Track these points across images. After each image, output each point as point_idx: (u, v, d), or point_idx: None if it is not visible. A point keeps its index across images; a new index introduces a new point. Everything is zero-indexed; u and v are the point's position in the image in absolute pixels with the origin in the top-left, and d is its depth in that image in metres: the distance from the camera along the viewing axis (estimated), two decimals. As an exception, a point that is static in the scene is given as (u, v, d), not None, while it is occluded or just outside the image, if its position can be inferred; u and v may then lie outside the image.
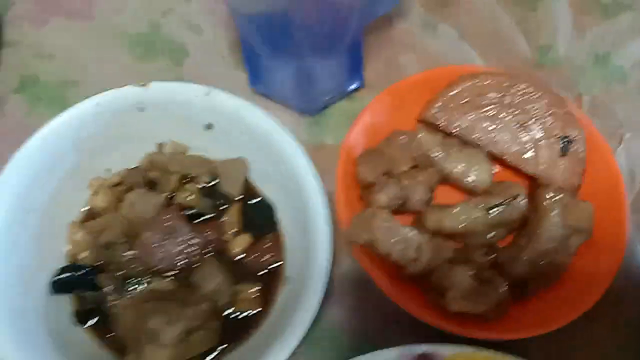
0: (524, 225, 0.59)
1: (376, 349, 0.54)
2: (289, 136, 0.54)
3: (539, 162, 0.62)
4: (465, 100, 0.62)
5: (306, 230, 0.52)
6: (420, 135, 0.60)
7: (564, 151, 0.61)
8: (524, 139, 0.62)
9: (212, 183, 0.61)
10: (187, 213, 0.58)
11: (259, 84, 0.65)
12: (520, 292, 0.57)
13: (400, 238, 0.54)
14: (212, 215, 0.59)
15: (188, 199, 0.59)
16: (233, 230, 0.59)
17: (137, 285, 0.55)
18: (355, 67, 0.65)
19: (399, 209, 0.59)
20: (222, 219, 0.59)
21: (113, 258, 0.56)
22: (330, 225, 0.51)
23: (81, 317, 0.54)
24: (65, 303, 0.55)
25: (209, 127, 0.58)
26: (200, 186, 0.60)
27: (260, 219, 0.59)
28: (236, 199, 0.60)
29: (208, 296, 0.54)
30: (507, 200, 0.58)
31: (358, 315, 0.59)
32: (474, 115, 0.62)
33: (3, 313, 0.48)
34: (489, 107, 0.62)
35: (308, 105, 0.65)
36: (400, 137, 0.59)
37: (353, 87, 0.66)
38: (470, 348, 0.53)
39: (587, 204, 0.59)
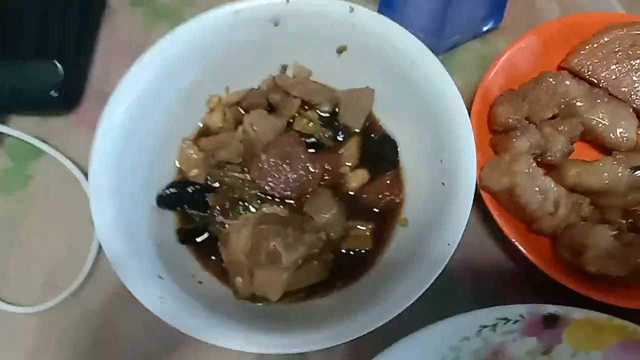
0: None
1: (496, 304, 0.51)
2: (440, 65, 0.50)
3: (690, 125, 0.56)
4: (616, 49, 0.57)
5: (444, 168, 0.48)
6: (567, 82, 0.55)
7: None
8: (677, 99, 0.56)
9: (333, 113, 0.57)
10: (306, 141, 0.55)
11: (388, 8, 0.61)
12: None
13: (541, 188, 0.50)
14: (330, 146, 0.56)
15: (308, 125, 0.56)
16: (351, 164, 0.55)
17: (248, 209, 0.53)
18: (497, 3, 0.60)
19: (536, 160, 0.54)
20: (340, 151, 0.56)
21: (225, 178, 0.54)
22: (474, 163, 0.46)
23: (185, 235, 0.53)
24: (172, 220, 0.53)
25: (340, 50, 0.55)
26: (321, 115, 0.57)
27: (381, 155, 0.55)
28: (357, 131, 0.56)
29: (321, 228, 0.51)
30: (656, 161, 0.53)
31: (479, 268, 0.55)
32: (623, 67, 0.57)
33: (118, 221, 0.46)
34: (640, 60, 0.57)
35: (438, 39, 0.61)
36: (550, 79, 0.54)
37: (488, 26, 0.61)
38: (603, 315, 0.50)
39: None
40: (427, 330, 0.49)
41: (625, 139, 0.55)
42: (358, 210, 0.54)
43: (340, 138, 0.57)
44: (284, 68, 0.58)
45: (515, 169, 0.49)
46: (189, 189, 0.53)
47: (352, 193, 0.54)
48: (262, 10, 0.52)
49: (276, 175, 0.53)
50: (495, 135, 0.55)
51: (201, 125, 0.57)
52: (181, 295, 0.44)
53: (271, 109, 0.57)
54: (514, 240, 0.50)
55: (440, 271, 0.44)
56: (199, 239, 0.52)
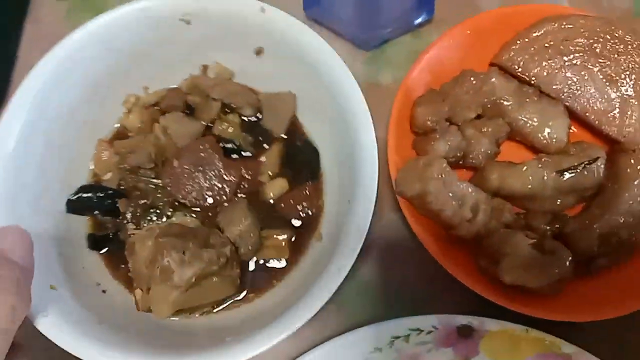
0: (596, 195, 0.52)
1: (413, 313, 0.49)
2: (345, 67, 0.47)
3: (625, 124, 0.53)
4: (548, 44, 0.54)
5: (351, 176, 0.46)
6: (493, 79, 0.52)
7: (657, 114, 0.53)
8: (612, 96, 0.54)
9: (255, 118, 0.55)
10: (224, 146, 0.53)
11: (313, 6, 0.58)
12: (584, 269, 0.50)
13: (457, 193, 0.48)
14: (251, 152, 0.54)
15: (228, 130, 0.53)
16: (271, 172, 0.53)
17: (159, 217, 0.51)
18: (427, -6, 0.57)
19: (457, 163, 0.52)
20: (261, 159, 0.53)
21: (138, 183, 0.52)
22: (376, 169, 0.44)
23: (95, 242, 0.51)
24: (82, 225, 0.51)
25: (258, 52, 0.52)
26: (244, 119, 0.55)
27: (302, 163, 0.53)
28: (279, 137, 0.54)
29: (232, 240, 0.49)
30: (584, 164, 0.51)
31: (396, 275, 0.53)
32: (556, 63, 0.54)
33: None
34: (574, 55, 0.54)
35: (367, 36, 0.58)
36: (471, 78, 0.52)
37: (420, 19, 0.58)
38: (518, 326, 0.48)
39: (677, 175, 0.51)
40: (336, 340, 0.48)
41: (554, 139, 0.52)
42: (275, 220, 0.52)
43: (264, 145, 0.54)
44: (205, 68, 0.55)
45: (427, 174, 0.46)
46: (99, 194, 0.52)
47: (270, 202, 0.52)
48: (171, 8, 0.50)
49: (189, 183, 0.51)
50: (417, 136, 0.53)
51: (118, 126, 0.55)
52: (73, 308, 0.43)
53: (190, 111, 0.55)
54: (427, 247, 0.48)
55: (337, 285, 0.42)
56: (103, 249, 0.51)
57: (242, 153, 0.53)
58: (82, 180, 0.52)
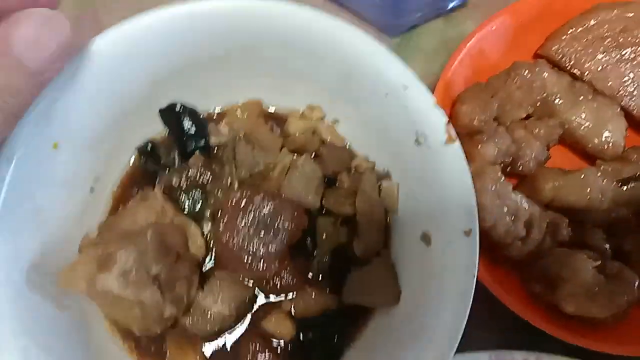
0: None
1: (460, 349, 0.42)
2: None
3: (687, 128, 0.47)
4: (603, 35, 0.48)
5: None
6: (545, 74, 0.45)
7: None
8: (674, 96, 0.48)
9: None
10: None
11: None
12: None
13: (510, 207, 0.41)
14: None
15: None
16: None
17: (193, 204, 0.43)
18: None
19: (504, 170, 0.45)
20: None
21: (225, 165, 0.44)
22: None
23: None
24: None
25: None
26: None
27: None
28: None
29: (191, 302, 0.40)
30: (648, 173, 0.44)
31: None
32: (611, 57, 0.48)
33: None
34: (632, 48, 0.48)
35: (393, 20, 0.51)
36: (526, 72, 0.44)
37: (454, 3, 0.51)
38: (575, 360, 0.41)
39: None
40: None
41: (610, 144, 0.46)
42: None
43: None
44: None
45: (479, 185, 0.39)
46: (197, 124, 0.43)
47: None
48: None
49: (245, 227, 0.40)
50: (462, 137, 0.45)
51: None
52: None
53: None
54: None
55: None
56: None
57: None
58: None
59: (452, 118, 0.45)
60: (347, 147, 0.45)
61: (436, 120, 0.37)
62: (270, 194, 0.40)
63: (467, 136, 0.44)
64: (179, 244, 0.39)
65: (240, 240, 0.40)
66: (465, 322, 0.34)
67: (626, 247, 0.44)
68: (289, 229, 0.40)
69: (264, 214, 0.40)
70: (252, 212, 0.40)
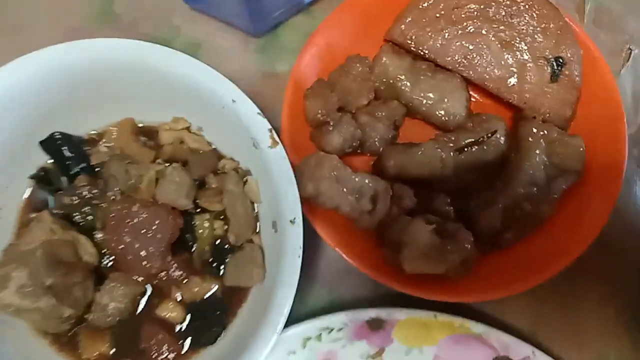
0: (502, 167, 0.51)
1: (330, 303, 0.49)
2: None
3: (524, 89, 0.52)
4: (440, 14, 0.52)
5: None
6: (384, 59, 0.50)
7: (554, 76, 0.51)
8: (509, 62, 0.52)
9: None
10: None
11: (196, -4, 0.54)
12: (490, 245, 0.50)
13: (353, 187, 0.47)
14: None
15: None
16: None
17: (83, 218, 0.49)
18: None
19: (356, 152, 0.51)
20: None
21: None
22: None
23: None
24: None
25: None
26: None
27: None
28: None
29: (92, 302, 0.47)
30: (483, 138, 0.50)
31: (310, 265, 0.53)
32: (449, 33, 0.52)
33: None
34: (467, 22, 0.52)
35: (255, 22, 0.55)
36: (357, 65, 0.49)
37: (311, -3, 0.55)
38: (426, 312, 0.48)
39: (578, 140, 0.50)
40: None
41: (452, 115, 0.51)
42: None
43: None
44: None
45: (318, 174, 0.45)
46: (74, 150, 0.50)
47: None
48: None
49: (128, 235, 0.46)
50: (312, 129, 0.51)
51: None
52: None
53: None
54: (328, 242, 0.47)
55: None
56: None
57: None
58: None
59: (304, 113, 0.50)
60: (214, 150, 0.51)
61: (262, 127, 0.43)
62: (144, 203, 0.47)
63: (317, 128, 0.50)
64: (69, 255, 0.46)
65: (126, 246, 0.47)
66: (293, 295, 0.41)
67: (472, 205, 0.50)
68: (166, 230, 0.47)
69: (142, 220, 0.47)
70: (132, 220, 0.47)
